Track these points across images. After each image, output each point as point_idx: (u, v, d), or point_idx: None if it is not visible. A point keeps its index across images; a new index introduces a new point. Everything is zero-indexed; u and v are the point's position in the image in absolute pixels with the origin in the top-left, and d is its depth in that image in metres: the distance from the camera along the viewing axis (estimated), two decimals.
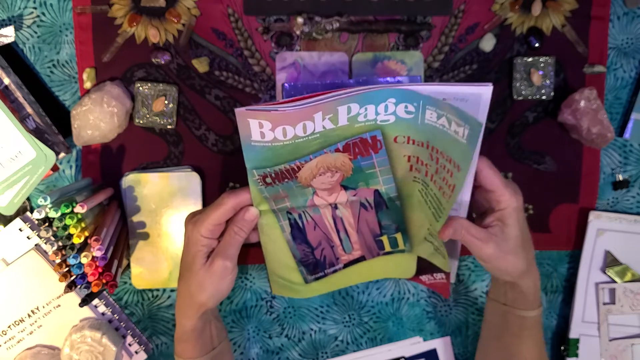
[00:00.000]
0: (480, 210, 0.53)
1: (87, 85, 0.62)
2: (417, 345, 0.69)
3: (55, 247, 0.54)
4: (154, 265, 0.64)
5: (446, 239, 0.50)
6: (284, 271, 0.58)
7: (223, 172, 0.64)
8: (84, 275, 0.55)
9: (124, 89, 0.61)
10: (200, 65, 0.62)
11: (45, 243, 0.62)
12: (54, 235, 0.53)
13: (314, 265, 0.58)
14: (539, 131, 0.66)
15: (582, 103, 0.61)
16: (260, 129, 0.45)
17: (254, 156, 0.48)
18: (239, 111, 0.44)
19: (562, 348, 0.68)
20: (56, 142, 0.61)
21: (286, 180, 0.50)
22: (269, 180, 0.50)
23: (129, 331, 0.66)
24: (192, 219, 0.51)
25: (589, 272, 0.66)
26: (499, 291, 0.57)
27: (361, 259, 0.59)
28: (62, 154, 0.62)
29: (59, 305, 0.64)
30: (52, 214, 0.52)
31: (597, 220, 0.66)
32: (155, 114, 0.62)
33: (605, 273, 0.66)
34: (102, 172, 0.64)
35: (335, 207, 0.54)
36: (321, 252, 0.57)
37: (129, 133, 0.63)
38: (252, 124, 0.45)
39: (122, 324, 0.66)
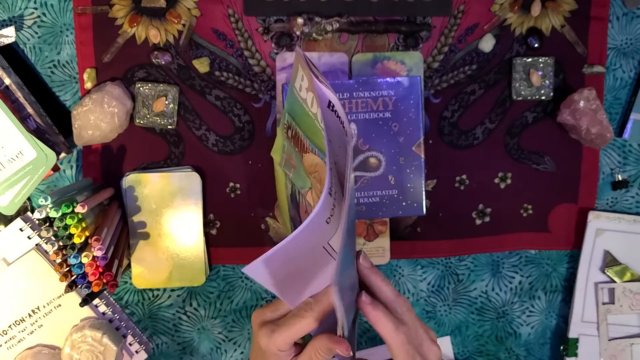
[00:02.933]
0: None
1: (88, 85, 0.62)
2: None
3: (55, 247, 0.54)
4: (154, 265, 0.64)
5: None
6: (285, 216, 0.57)
7: (223, 172, 0.65)
8: (84, 275, 0.55)
9: (125, 89, 0.62)
10: (201, 65, 0.63)
11: (46, 243, 0.63)
12: (55, 235, 0.53)
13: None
14: (539, 131, 0.66)
15: (582, 103, 0.61)
16: (301, 81, 0.43)
17: (290, 99, 0.46)
18: (297, 53, 0.41)
19: (562, 348, 0.68)
20: (57, 142, 0.61)
21: (297, 148, 0.47)
22: (289, 133, 0.47)
23: (129, 331, 0.66)
24: (267, 326, 0.43)
25: (588, 272, 0.66)
26: None
27: None
28: (62, 154, 0.62)
29: (60, 305, 0.64)
30: (53, 214, 0.52)
31: (596, 220, 0.66)
32: (156, 114, 0.62)
33: (604, 273, 0.66)
34: (103, 172, 0.64)
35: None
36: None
37: (130, 133, 0.63)
38: (300, 71, 0.42)
39: (122, 323, 0.66)
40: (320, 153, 0.44)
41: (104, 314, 0.65)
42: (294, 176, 0.50)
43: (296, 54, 0.42)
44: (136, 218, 0.63)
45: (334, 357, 0.44)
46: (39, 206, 0.55)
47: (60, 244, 0.54)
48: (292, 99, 0.46)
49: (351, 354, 0.41)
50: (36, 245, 0.63)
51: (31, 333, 0.64)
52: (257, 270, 0.38)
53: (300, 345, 0.44)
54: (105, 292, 0.65)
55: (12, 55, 0.61)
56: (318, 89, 0.40)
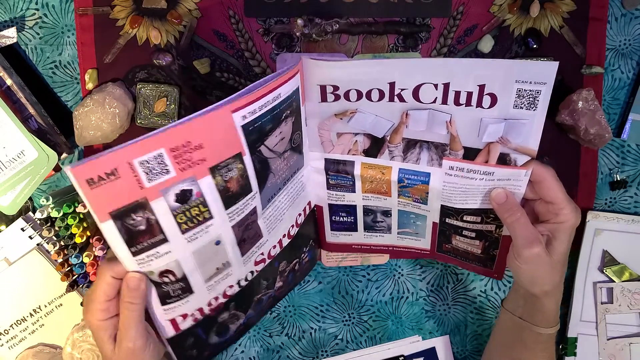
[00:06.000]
0: (532, 221, 0.50)
1: (89, 86, 0.62)
2: (416, 344, 0.69)
3: (57, 247, 0.54)
4: None
5: (499, 201, 0.49)
6: None
7: None
8: (85, 275, 0.56)
9: (126, 90, 0.62)
10: (202, 66, 0.63)
11: (48, 243, 0.63)
12: (56, 235, 0.54)
13: None
14: None
15: (580, 104, 0.61)
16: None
17: None
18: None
19: (561, 347, 0.68)
20: (58, 142, 0.62)
21: None
22: None
23: None
24: (84, 307, 0.45)
25: (586, 272, 0.67)
26: (516, 303, 0.55)
27: None
28: (64, 155, 0.62)
29: (61, 305, 0.64)
30: (54, 214, 0.52)
31: (594, 220, 0.66)
32: (157, 114, 0.63)
33: (603, 272, 0.66)
34: None
35: None
36: None
37: (131, 134, 0.63)
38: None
39: None
40: None
41: None
42: None
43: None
44: None
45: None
46: (41, 206, 0.55)
47: (62, 243, 0.54)
48: None
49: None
50: (38, 245, 0.63)
51: (32, 332, 0.64)
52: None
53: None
54: None
55: (14, 56, 0.61)
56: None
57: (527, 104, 0.45)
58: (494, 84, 0.45)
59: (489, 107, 0.46)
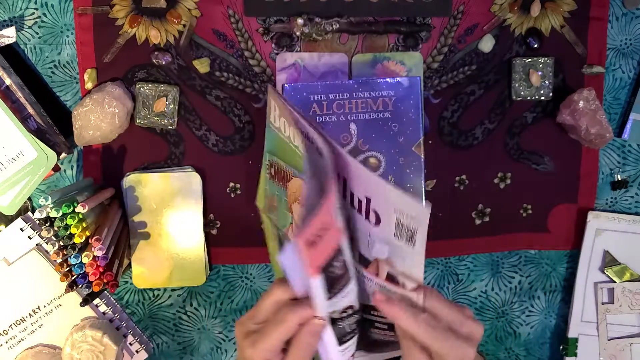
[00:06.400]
0: None
1: (89, 85, 0.62)
2: None
3: (56, 247, 0.54)
4: (154, 264, 0.64)
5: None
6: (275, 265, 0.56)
7: (224, 173, 0.65)
8: (85, 275, 0.55)
9: (125, 89, 0.62)
10: (201, 66, 0.63)
11: (47, 243, 0.63)
12: (55, 235, 0.54)
13: None
14: (538, 132, 0.66)
15: (581, 104, 0.61)
16: (274, 112, 0.44)
17: (268, 137, 0.47)
18: (270, 88, 0.43)
19: (561, 347, 0.68)
20: (57, 142, 0.61)
21: (280, 183, 0.47)
22: (272, 172, 0.48)
23: (129, 330, 0.66)
24: (249, 337, 0.41)
25: (587, 272, 0.67)
26: None
27: None
28: (63, 154, 0.62)
29: (60, 305, 0.64)
30: (54, 214, 0.52)
31: (595, 220, 0.66)
32: (156, 114, 0.63)
33: (604, 273, 0.66)
34: (103, 172, 0.64)
35: None
36: None
37: (130, 133, 0.63)
38: (272, 103, 0.43)
39: (123, 323, 0.66)
40: (300, 173, 0.43)
41: (104, 313, 0.65)
42: (277, 217, 0.49)
43: (269, 89, 0.43)
44: (136, 218, 0.63)
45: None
46: (40, 206, 0.55)
47: (61, 243, 0.54)
48: (269, 134, 0.46)
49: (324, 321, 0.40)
50: (37, 245, 0.63)
51: (32, 333, 0.64)
52: (291, 257, 0.37)
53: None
54: (105, 292, 0.65)
55: (13, 55, 0.61)
56: (300, 125, 0.40)
57: (406, 237, 0.39)
58: (378, 203, 0.40)
59: (375, 224, 0.41)
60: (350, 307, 0.42)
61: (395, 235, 0.40)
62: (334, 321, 0.41)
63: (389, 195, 0.38)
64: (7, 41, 0.60)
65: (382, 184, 0.38)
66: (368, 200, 0.40)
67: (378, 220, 0.41)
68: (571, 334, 0.67)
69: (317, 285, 0.37)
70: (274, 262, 0.57)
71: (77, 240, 0.54)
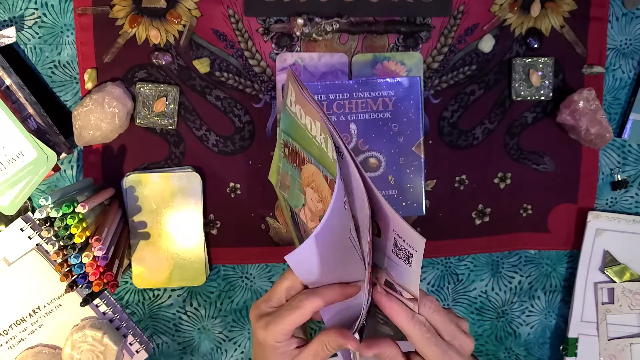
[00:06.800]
0: None
1: (89, 85, 0.62)
2: None
3: (56, 247, 0.54)
4: (155, 264, 0.64)
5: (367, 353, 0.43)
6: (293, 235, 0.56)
7: (223, 173, 0.65)
8: (85, 275, 0.55)
9: (125, 89, 0.62)
10: (201, 66, 0.63)
11: (47, 243, 0.62)
12: (55, 235, 0.54)
13: None
14: (538, 132, 0.66)
15: (581, 104, 0.61)
16: (291, 97, 0.44)
17: (284, 118, 0.47)
18: (289, 72, 0.43)
19: (561, 347, 0.68)
20: (57, 142, 0.61)
21: (294, 165, 0.48)
22: (287, 151, 0.48)
23: (129, 330, 0.66)
24: (263, 319, 0.43)
25: (587, 272, 0.67)
26: None
27: None
28: (63, 154, 0.62)
29: (60, 305, 0.64)
30: (54, 214, 0.52)
31: (595, 220, 0.66)
32: (156, 114, 0.63)
33: (604, 273, 0.66)
34: (103, 172, 0.64)
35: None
36: None
37: (130, 133, 0.63)
38: (289, 88, 0.43)
39: (123, 323, 0.66)
40: (316, 162, 0.44)
41: (104, 313, 0.65)
42: (289, 196, 0.50)
43: (288, 73, 0.43)
44: (137, 218, 0.63)
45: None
46: (40, 206, 0.55)
47: (61, 244, 0.54)
48: (285, 116, 0.46)
49: (359, 350, 0.41)
50: (37, 245, 0.63)
51: (32, 333, 0.64)
52: (300, 258, 0.38)
53: (300, 338, 0.44)
54: (105, 292, 0.65)
55: (13, 55, 0.61)
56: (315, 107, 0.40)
57: (403, 257, 0.40)
58: (379, 217, 0.41)
59: (376, 234, 0.42)
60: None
61: (394, 252, 0.41)
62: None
63: (387, 216, 0.39)
64: (7, 41, 0.60)
65: (382, 203, 0.39)
66: (372, 211, 0.40)
67: (379, 233, 0.41)
68: (571, 334, 0.67)
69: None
70: (292, 233, 0.57)
71: (77, 240, 0.54)
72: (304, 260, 0.39)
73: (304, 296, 0.42)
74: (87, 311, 0.64)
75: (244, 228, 0.66)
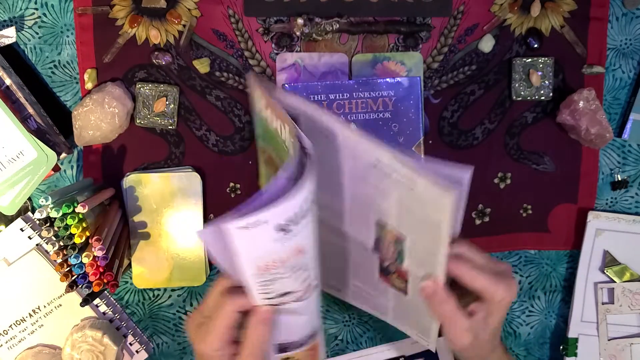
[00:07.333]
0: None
1: (89, 85, 0.62)
2: (416, 344, 0.69)
3: (56, 247, 0.54)
4: (155, 264, 0.64)
5: (428, 293, 0.44)
6: None
7: (223, 173, 0.65)
8: (85, 275, 0.55)
9: (125, 89, 0.62)
10: (201, 66, 0.63)
11: (47, 243, 0.62)
12: (55, 235, 0.54)
13: None
14: (538, 132, 0.66)
15: (581, 104, 0.61)
16: (260, 101, 0.44)
17: (257, 124, 0.47)
18: (252, 76, 0.44)
19: (561, 347, 0.68)
20: (57, 142, 0.61)
21: (272, 170, 0.48)
22: (264, 157, 0.48)
23: (129, 330, 0.66)
24: (198, 331, 0.43)
25: (587, 272, 0.67)
26: None
27: None
28: (63, 155, 0.62)
29: (60, 305, 0.64)
30: (54, 214, 0.52)
31: (595, 220, 0.66)
32: (156, 114, 0.63)
33: (604, 273, 0.66)
34: (103, 172, 0.64)
35: None
36: None
37: (130, 133, 0.63)
38: (258, 91, 0.43)
39: (123, 323, 0.66)
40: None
41: (104, 313, 0.65)
42: None
43: (252, 76, 0.43)
44: (137, 218, 0.63)
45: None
46: (40, 206, 0.55)
47: (61, 244, 0.54)
48: (258, 122, 0.46)
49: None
50: (37, 245, 0.63)
51: (32, 333, 0.64)
52: (211, 236, 0.38)
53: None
54: (105, 292, 0.65)
55: (13, 55, 0.61)
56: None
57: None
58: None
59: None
60: (288, 292, 0.42)
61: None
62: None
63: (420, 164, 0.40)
64: (7, 41, 0.60)
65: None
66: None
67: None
68: (571, 334, 0.67)
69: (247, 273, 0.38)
70: None
71: (77, 240, 0.54)
72: (219, 240, 0.38)
73: (227, 296, 0.41)
74: (87, 311, 0.64)
75: None
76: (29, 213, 0.64)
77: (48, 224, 0.53)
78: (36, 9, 0.61)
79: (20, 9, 0.61)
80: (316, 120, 0.42)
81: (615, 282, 0.66)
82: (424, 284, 0.44)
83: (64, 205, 0.53)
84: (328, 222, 0.49)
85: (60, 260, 0.55)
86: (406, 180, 0.41)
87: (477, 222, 0.67)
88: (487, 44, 0.64)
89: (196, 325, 0.43)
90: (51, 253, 0.54)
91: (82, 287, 0.56)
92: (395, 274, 0.48)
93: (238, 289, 0.41)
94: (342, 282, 0.56)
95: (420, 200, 0.41)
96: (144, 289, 0.67)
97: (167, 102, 0.62)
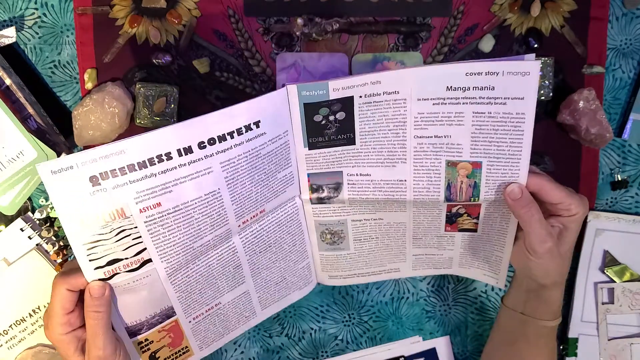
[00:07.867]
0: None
1: (89, 85, 0.62)
2: (416, 344, 0.69)
3: (56, 247, 0.54)
4: None
5: (514, 197, 0.50)
6: None
7: None
8: None
9: (125, 89, 0.62)
10: (201, 66, 0.63)
11: (47, 243, 0.63)
12: (55, 235, 0.54)
13: None
14: (538, 131, 0.65)
15: (581, 103, 0.61)
16: None
17: None
18: None
19: (561, 347, 0.68)
20: (57, 142, 0.61)
21: None
22: None
23: None
24: (45, 321, 0.46)
25: (587, 272, 0.67)
26: (518, 299, 0.56)
27: None
28: (63, 154, 0.62)
29: None
30: (53, 214, 0.52)
31: (595, 220, 0.66)
32: (157, 114, 0.63)
33: (604, 273, 0.66)
34: None
35: None
36: None
37: (130, 133, 0.63)
38: None
39: None
40: None
41: None
42: None
43: None
44: None
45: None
46: (40, 206, 0.55)
47: (61, 243, 0.54)
48: None
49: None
50: (37, 245, 0.63)
51: (32, 333, 0.64)
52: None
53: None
54: None
55: (13, 55, 0.61)
56: None
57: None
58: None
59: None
60: (117, 260, 0.44)
61: None
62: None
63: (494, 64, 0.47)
64: (7, 41, 0.60)
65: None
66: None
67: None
68: (571, 334, 0.67)
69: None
70: None
71: None
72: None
73: (56, 278, 0.45)
74: None
75: None
76: (29, 213, 0.64)
77: (48, 224, 0.53)
78: (36, 9, 0.61)
79: (20, 9, 0.61)
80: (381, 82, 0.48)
81: (615, 282, 0.66)
82: (509, 188, 0.50)
83: None
84: (391, 202, 0.54)
85: (60, 260, 0.55)
86: (484, 80, 0.47)
87: None
88: (487, 44, 0.64)
89: (44, 318, 0.46)
90: (51, 253, 0.54)
91: None
92: (464, 215, 0.53)
93: (72, 270, 0.45)
94: (401, 258, 0.61)
95: (501, 88, 0.47)
96: None
97: (167, 102, 0.62)
